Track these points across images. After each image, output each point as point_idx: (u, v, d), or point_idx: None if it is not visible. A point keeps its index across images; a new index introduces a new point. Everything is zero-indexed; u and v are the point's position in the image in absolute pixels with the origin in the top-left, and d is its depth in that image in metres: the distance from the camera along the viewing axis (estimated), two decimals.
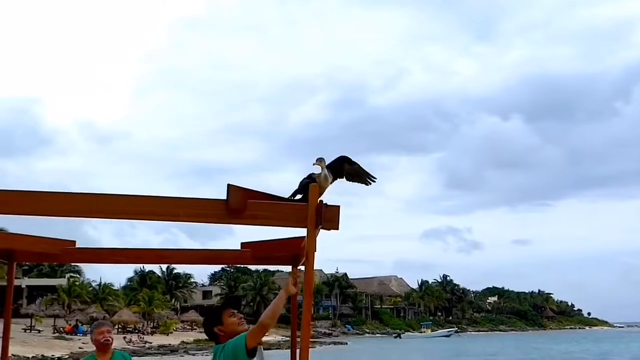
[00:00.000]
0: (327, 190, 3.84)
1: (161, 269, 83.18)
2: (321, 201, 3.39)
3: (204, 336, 59.12)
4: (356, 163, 4.30)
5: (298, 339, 4.85)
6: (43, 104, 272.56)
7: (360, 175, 4.39)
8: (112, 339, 6.04)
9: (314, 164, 3.91)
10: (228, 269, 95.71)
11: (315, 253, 3.47)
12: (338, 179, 4.16)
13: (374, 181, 4.44)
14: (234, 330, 3.79)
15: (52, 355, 38.21)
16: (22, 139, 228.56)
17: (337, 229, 3.35)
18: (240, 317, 3.90)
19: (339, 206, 3.40)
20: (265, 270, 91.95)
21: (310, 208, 3.32)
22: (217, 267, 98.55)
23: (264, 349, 5.12)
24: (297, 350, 4.70)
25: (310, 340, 4.94)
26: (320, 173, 3.86)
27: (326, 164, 3.99)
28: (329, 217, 3.35)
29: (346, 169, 4.24)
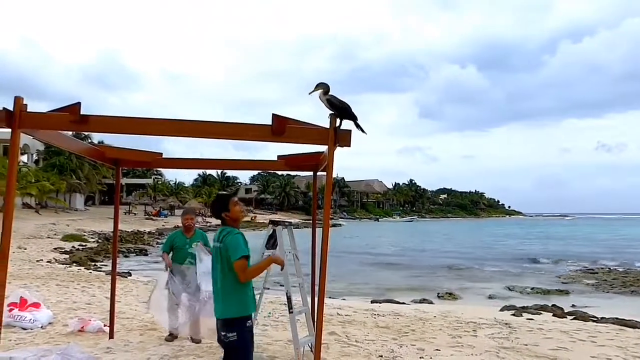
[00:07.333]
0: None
1: (217, 172, 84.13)
2: (338, 126, 3.32)
3: (247, 218, 60.48)
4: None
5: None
6: (131, 53, 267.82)
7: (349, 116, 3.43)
8: (195, 223, 5.63)
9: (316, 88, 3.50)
10: (263, 173, 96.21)
11: (334, 163, 3.42)
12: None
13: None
14: (237, 217, 3.16)
15: (144, 230, 39.12)
16: (116, 78, 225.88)
17: (349, 146, 3.31)
18: (242, 206, 3.26)
19: (350, 130, 3.36)
20: (288, 174, 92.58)
21: (330, 131, 3.26)
22: (254, 172, 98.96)
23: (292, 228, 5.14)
24: (317, 229, 4.79)
25: (319, 222, 5.00)
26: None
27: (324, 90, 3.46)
28: (343, 138, 3.30)
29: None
